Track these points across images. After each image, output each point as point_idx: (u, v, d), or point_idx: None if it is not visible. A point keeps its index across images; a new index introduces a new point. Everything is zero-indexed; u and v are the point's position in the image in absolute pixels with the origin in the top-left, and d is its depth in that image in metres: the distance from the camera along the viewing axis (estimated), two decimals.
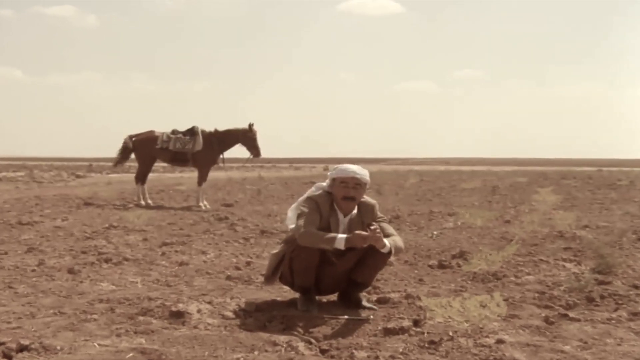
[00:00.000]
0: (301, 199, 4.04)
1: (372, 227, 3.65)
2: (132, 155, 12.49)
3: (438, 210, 10.62)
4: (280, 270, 4.03)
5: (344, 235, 3.66)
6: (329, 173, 4.05)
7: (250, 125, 11.85)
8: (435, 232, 7.80)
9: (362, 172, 3.96)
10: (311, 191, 4.06)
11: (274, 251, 4.11)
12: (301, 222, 3.77)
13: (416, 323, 3.56)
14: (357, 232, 3.65)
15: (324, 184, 4.07)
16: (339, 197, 3.90)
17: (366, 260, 3.89)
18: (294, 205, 4.10)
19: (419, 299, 4.11)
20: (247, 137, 11.86)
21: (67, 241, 6.93)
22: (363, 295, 4.19)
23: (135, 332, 3.37)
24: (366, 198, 4.04)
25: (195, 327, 3.49)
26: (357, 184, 3.91)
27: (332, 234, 3.69)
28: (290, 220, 4.05)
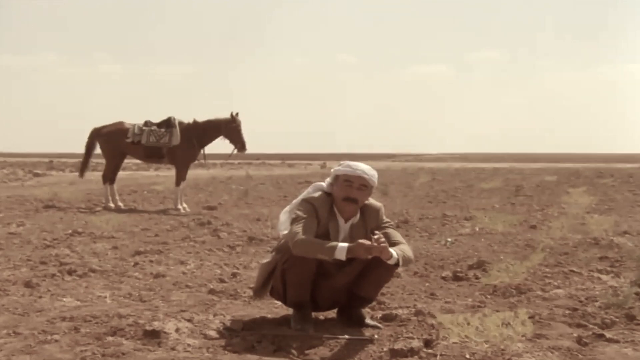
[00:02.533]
0: (296, 201, 4.05)
1: (376, 237, 3.66)
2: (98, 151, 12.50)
3: (453, 214, 10.64)
4: (271, 283, 4.03)
5: (345, 245, 3.66)
6: (332, 170, 4.06)
7: (233, 115, 11.86)
8: (449, 239, 7.82)
9: (372, 172, 3.97)
10: (307, 192, 4.07)
11: (264, 261, 4.11)
12: (296, 228, 3.77)
13: (428, 344, 3.56)
14: (360, 241, 3.65)
15: (323, 183, 4.08)
16: (340, 198, 3.91)
17: (370, 273, 3.90)
18: (287, 209, 4.10)
19: (431, 315, 4.12)
20: (230, 128, 11.87)
21: (23, 250, 6.93)
22: (366, 311, 4.20)
23: (103, 355, 3.37)
24: (370, 200, 4.04)
25: (172, 349, 3.49)
26: (363, 185, 3.92)
27: (332, 243, 3.69)
28: (283, 225, 4.05)
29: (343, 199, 3.91)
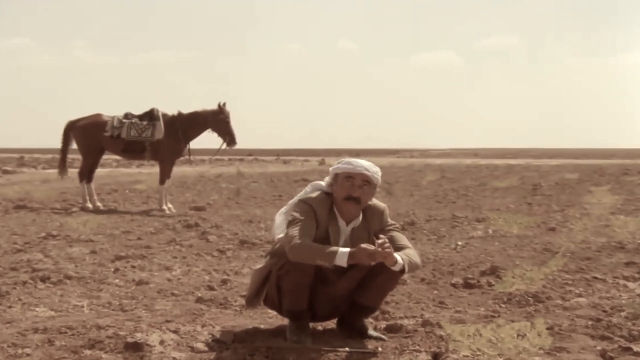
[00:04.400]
0: (292, 201, 4.05)
1: (380, 241, 3.66)
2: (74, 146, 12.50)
3: (463, 215, 10.65)
4: (264, 291, 4.04)
5: (347, 250, 3.67)
6: (331, 168, 4.06)
7: (221, 105, 11.86)
8: (459, 243, 7.83)
9: (374, 169, 3.98)
10: (305, 192, 4.07)
11: (257, 266, 4.12)
12: (292, 230, 3.77)
13: (436, 357, 3.57)
14: (362, 245, 3.65)
15: (322, 182, 4.08)
16: (341, 197, 3.92)
17: (373, 279, 3.91)
18: (283, 210, 4.11)
19: (440, 326, 4.13)
20: (217, 120, 11.88)
21: None
22: (369, 321, 4.21)
23: None
24: (374, 201, 4.05)
25: None
26: (365, 181, 3.92)
27: (332, 248, 3.70)
28: (279, 228, 4.06)
29: (344, 199, 3.91)
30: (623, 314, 4.52)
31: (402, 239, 4.00)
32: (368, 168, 3.95)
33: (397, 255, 3.73)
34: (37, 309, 4.75)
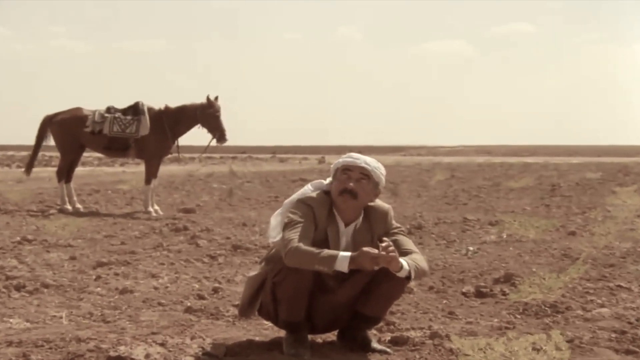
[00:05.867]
0: (288, 201, 4.05)
1: (384, 244, 3.66)
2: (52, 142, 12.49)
3: (475, 218, 10.65)
4: (259, 300, 4.04)
5: (348, 254, 3.67)
6: (332, 165, 4.07)
7: (210, 99, 11.85)
8: (471, 248, 7.83)
9: (376, 164, 3.99)
10: (303, 191, 4.07)
11: (251, 274, 4.13)
12: (289, 234, 3.78)
13: None
14: (364, 249, 3.66)
15: (323, 181, 4.08)
16: (336, 192, 3.92)
17: (377, 287, 3.91)
18: (279, 211, 4.10)
19: (449, 339, 4.12)
20: (207, 114, 11.88)
21: None
22: (372, 333, 4.21)
23: None
24: (377, 202, 4.05)
25: None
26: (364, 174, 3.93)
27: (332, 252, 3.70)
28: (274, 230, 4.06)
29: (339, 193, 3.91)
30: None
31: (408, 243, 4.00)
32: (368, 162, 3.95)
33: (402, 261, 3.73)
34: (11, 320, 4.74)
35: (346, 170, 3.94)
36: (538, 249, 7.77)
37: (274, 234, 4.05)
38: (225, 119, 12.02)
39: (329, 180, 4.07)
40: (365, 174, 3.94)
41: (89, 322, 4.73)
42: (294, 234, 3.76)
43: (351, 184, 3.90)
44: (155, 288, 5.81)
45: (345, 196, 3.91)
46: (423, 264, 3.91)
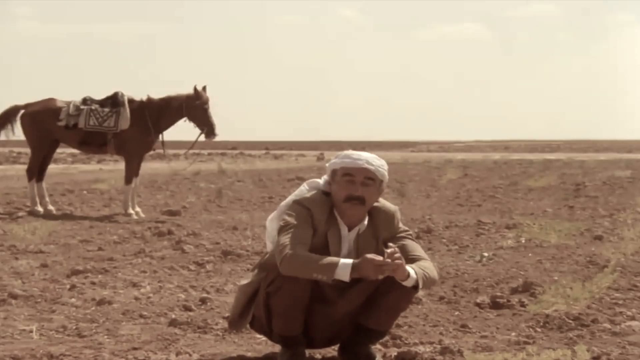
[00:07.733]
0: (285, 203, 4.06)
1: (389, 250, 3.67)
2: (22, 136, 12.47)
3: (491, 221, 10.66)
4: (251, 312, 4.05)
5: (350, 261, 3.68)
6: (327, 164, 4.07)
7: (198, 89, 11.84)
8: (486, 254, 7.84)
9: (378, 162, 3.99)
10: (300, 191, 4.08)
11: (243, 282, 4.13)
12: (284, 238, 3.78)
13: None
14: (367, 256, 3.66)
15: (320, 181, 4.09)
16: (340, 198, 3.93)
17: (381, 298, 3.92)
18: (274, 214, 4.11)
19: (462, 354, 4.14)
20: (193, 106, 11.86)
21: None
22: (377, 349, 4.22)
23: None
24: (382, 202, 4.06)
25: None
26: (368, 178, 3.93)
27: (332, 259, 3.71)
28: (269, 235, 4.07)
29: (345, 200, 3.92)
30: None
31: (416, 248, 4.01)
32: (370, 161, 3.95)
33: (409, 268, 3.74)
34: None
35: (347, 174, 3.94)
36: (560, 255, 7.77)
37: (269, 239, 4.06)
38: (214, 111, 12.04)
39: (324, 178, 4.07)
40: (369, 177, 3.94)
41: (62, 336, 4.73)
42: (290, 239, 3.76)
43: (359, 192, 3.90)
44: (137, 299, 5.81)
45: (354, 203, 3.91)
46: (432, 271, 3.92)
